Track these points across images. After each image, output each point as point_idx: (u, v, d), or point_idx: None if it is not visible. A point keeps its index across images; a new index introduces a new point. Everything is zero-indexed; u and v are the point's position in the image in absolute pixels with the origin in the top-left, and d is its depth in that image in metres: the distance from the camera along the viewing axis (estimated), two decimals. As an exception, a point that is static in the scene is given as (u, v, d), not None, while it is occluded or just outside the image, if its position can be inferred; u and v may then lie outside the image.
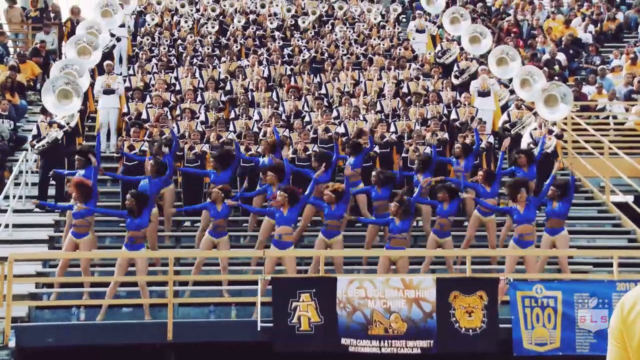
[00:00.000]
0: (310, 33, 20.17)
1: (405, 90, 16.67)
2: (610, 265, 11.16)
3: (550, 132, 14.43)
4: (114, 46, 18.04)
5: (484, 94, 16.32)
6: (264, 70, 17.50)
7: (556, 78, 18.42)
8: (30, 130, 14.94)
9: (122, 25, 18.74)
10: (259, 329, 10.27)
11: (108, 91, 15.82)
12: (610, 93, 19.55)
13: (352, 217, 12.65)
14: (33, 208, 13.69)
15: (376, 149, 13.75)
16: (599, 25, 23.70)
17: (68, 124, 13.97)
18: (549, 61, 20.89)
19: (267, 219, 11.96)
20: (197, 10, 21.57)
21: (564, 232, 11.80)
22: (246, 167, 13.46)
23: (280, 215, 11.07)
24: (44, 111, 14.15)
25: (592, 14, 24.13)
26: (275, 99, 15.93)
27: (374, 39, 19.72)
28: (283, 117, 15.19)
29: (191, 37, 19.45)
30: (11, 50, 20.88)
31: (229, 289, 11.46)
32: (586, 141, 16.69)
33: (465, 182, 12.41)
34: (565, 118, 16.16)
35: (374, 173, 12.48)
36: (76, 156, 12.51)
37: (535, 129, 14.51)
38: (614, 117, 19.04)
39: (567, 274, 11.55)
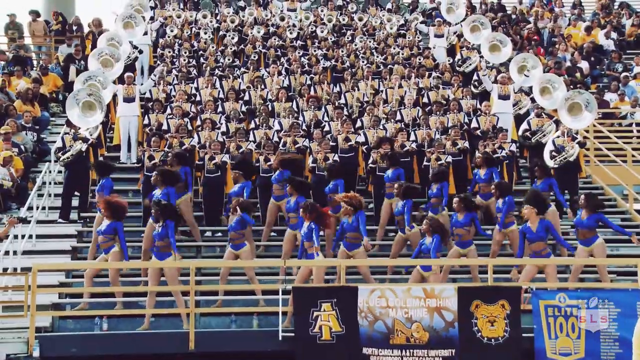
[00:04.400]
0: (329, 42, 20.20)
1: (425, 99, 16.65)
2: (635, 274, 11.04)
3: (573, 139, 14.35)
4: (136, 58, 18.18)
5: (504, 97, 16.23)
6: (283, 80, 17.56)
7: (579, 86, 18.31)
8: (54, 142, 15.08)
9: (145, 33, 18.88)
10: (280, 338, 10.26)
11: (128, 99, 15.93)
12: (632, 100, 19.41)
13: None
14: (57, 219, 13.83)
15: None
16: (622, 31, 23.56)
17: (92, 135, 14.09)
18: (570, 69, 20.78)
19: (290, 231, 12.05)
20: (217, 22, 21.68)
21: (600, 240, 11.63)
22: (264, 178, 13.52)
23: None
24: (69, 124, 14.29)
25: (614, 21, 23.98)
26: (296, 109, 15.97)
27: (394, 48, 19.73)
28: (303, 126, 15.22)
29: (213, 47, 19.56)
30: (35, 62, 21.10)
31: (253, 298, 11.47)
32: (609, 149, 16.57)
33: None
34: (588, 125, 16.05)
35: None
36: (96, 165, 12.75)
37: (559, 136, 14.42)
38: (638, 125, 18.89)
39: (589, 283, 11.46)
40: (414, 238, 12.15)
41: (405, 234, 12.29)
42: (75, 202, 13.96)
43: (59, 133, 15.25)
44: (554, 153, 14.09)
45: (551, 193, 13.12)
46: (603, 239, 11.79)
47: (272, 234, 13.34)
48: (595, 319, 10.27)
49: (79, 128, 13.98)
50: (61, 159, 13.77)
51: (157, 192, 12.20)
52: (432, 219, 11.59)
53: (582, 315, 10.32)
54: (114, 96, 16.04)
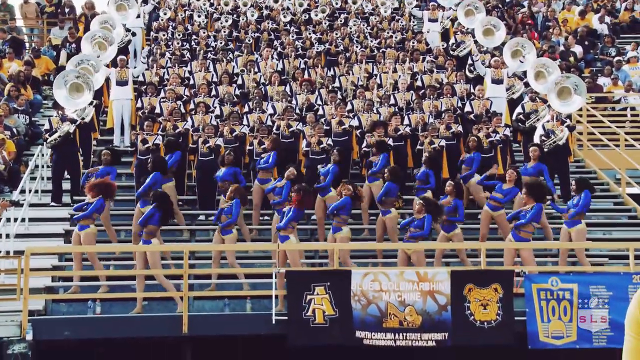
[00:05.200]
0: (324, 26, 20.13)
1: (419, 83, 16.62)
2: (627, 257, 11.09)
3: (562, 123, 14.36)
4: (129, 41, 18.08)
5: (497, 81, 16.23)
6: (277, 64, 17.50)
7: (572, 70, 18.30)
8: (46, 125, 15.02)
9: (138, 16, 18.77)
10: (273, 322, 10.29)
11: (121, 83, 15.86)
12: (626, 85, 19.41)
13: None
14: (49, 202, 13.79)
15: (390, 141, 13.73)
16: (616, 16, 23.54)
17: (83, 119, 14.01)
18: (564, 53, 20.76)
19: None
20: (211, 5, 21.57)
21: (582, 225, 11.80)
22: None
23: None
24: (56, 105, 14.21)
25: (609, 6, 23.94)
26: (289, 93, 15.93)
27: (387, 32, 19.67)
28: (297, 110, 15.19)
29: (204, 32, 19.47)
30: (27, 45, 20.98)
31: (242, 282, 11.49)
32: (602, 133, 16.59)
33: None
34: (581, 110, 16.07)
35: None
36: (105, 151, 12.73)
37: (548, 121, 14.44)
38: (632, 109, 18.91)
39: (584, 266, 11.53)
40: (389, 222, 12.19)
41: (383, 217, 12.34)
42: (67, 186, 13.92)
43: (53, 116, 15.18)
44: (543, 137, 14.09)
45: (541, 178, 13.15)
46: (596, 222, 11.86)
47: (266, 217, 13.34)
48: (596, 319, 10.28)
49: (67, 110, 13.89)
50: (48, 140, 13.67)
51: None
52: (425, 198, 11.64)
53: (582, 315, 10.33)
54: (107, 79, 15.96)
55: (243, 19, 20.34)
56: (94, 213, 11.22)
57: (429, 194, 12.43)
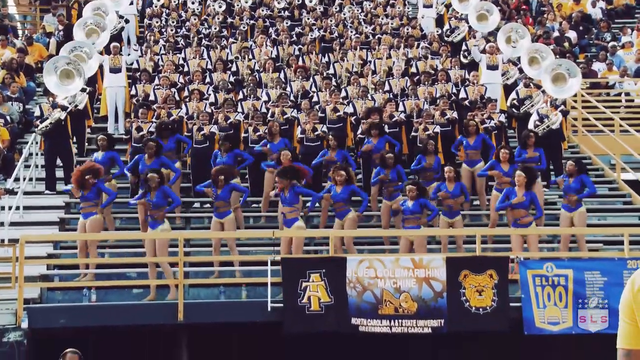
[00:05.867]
0: (318, 12, 20.05)
1: (414, 69, 16.59)
2: (621, 242, 11.13)
3: (556, 107, 14.35)
4: (122, 28, 18.00)
5: (492, 67, 16.21)
6: (271, 51, 17.44)
7: (567, 55, 18.28)
8: (40, 112, 14.96)
9: (131, 3, 18.68)
10: (269, 309, 10.29)
11: (115, 70, 15.79)
12: (621, 70, 19.40)
13: None
14: (43, 190, 13.76)
15: (385, 128, 13.71)
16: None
17: (77, 106, 13.95)
18: (558, 38, 20.73)
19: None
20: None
21: (582, 208, 11.84)
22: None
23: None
24: (46, 92, 14.14)
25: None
26: (283, 80, 15.89)
27: (382, 18, 19.61)
28: (291, 97, 15.16)
29: (195, 19, 19.37)
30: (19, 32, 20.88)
31: (238, 269, 11.49)
32: (597, 118, 16.60)
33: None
34: (575, 95, 16.06)
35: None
36: (100, 136, 12.68)
37: (543, 106, 14.43)
38: (626, 94, 18.91)
39: (579, 252, 11.55)
40: (396, 207, 12.22)
41: (389, 202, 12.36)
42: (60, 173, 13.87)
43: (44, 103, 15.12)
44: (537, 122, 14.09)
45: (538, 163, 13.15)
46: (591, 207, 11.88)
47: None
48: (596, 319, 10.30)
49: (57, 96, 13.83)
50: (39, 127, 13.61)
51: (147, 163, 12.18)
52: (416, 183, 11.69)
53: (582, 315, 10.35)
54: (101, 67, 15.89)
55: (237, 6, 20.24)
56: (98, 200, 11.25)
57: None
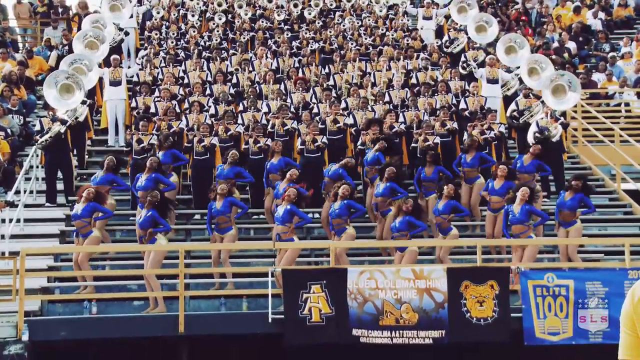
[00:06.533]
0: (317, 24, 20.11)
1: (414, 80, 16.62)
2: (622, 253, 11.12)
3: (556, 119, 14.36)
4: (122, 40, 18.05)
5: (492, 81, 16.24)
6: (271, 63, 17.48)
7: (567, 66, 18.31)
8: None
9: (131, 16, 18.74)
10: (270, 320, 10.28)
11: (115, 83, 15.82)
12: (620, 80, 19.43)
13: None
14: (44, 203, 13.76)
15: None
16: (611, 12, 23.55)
17: (77, 118, 13.98)
18: (558, 49, 20.77)
19: None
20: (204, 4, 21.53)
21: (577, 224, 11.78)
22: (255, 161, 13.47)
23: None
24: (46, 106, 14.17)
25: (602, 1, 23.95)
26: (284, 91, 15.92)
27: (382, 30, 19.66)
28: (291, 109, 15.18)
29: (194, 31, 19.43)
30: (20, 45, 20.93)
31: (239, 281, 11.48)
32: (596, 129, 16.59)
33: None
34: (575, 106, 16.06)
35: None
36: (110, 157, 12.66)
37: (542, 117, 14.45)
38: (626, 105, 18.93)
39: (578, 262, 11.54)
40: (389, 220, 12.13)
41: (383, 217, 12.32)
42: (60, 186, 13.89)
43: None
44: (537, 134, 14.09)
45: (537, 173, 13.18)
46: (592, 218, 11.86)
47: (261, 216, 13.33)
48: (596, 319, 10.29)
49: (58, 110, 13.84)
50: (39, 141, 13.62)
51: (143, 178, 12.21)
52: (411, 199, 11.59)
53: (582, 315, 10.34)
54: (101, 79, 15.93)
55: (238, 21, 20.31)
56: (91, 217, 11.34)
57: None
